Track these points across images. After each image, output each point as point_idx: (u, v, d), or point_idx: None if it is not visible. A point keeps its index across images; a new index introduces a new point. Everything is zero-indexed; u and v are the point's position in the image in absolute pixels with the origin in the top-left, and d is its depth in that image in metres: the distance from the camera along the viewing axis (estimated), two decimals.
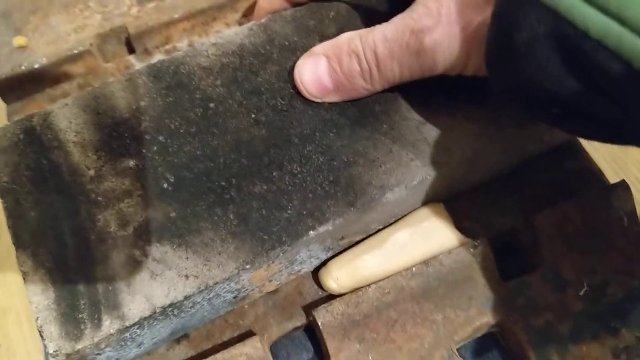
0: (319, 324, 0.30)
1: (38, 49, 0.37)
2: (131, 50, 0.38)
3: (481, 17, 0.25)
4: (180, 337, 0.31)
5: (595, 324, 0.30)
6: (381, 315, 0.30)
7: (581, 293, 0.31)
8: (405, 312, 0.30)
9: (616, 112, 0.23)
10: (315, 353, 0.31)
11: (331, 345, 0.29)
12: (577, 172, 0.35)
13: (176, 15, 0.38)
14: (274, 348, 0.32)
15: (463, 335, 0.30)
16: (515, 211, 0.33)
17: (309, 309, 0.31)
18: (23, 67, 0.36)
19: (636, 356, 0.29)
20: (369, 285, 0.30)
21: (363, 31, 0.29)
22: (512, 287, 0.31)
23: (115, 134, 0.29)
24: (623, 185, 0.32)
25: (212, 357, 0.29)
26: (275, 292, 0.32)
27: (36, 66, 0.36)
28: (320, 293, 0.31)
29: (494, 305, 0.30)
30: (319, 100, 0.30)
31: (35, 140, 0.29)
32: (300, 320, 0.31)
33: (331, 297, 0.31)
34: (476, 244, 0.31)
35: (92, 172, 0.29)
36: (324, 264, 0.31)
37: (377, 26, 0.28)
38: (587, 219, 0.32)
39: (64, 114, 0.30)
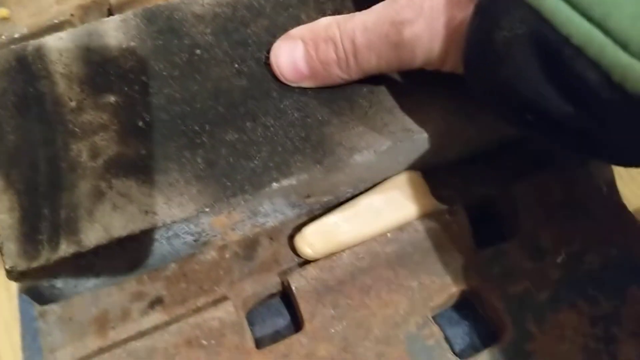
0: (293, 288, 0.29)
1: (20, 21, 0.37)
2: None
3: (464, 13, 0.25)
4: (154, 302, 0.31)
5: (573, 293, 0.30)
6: (355, 281, 0.30)
7: (559, 261, 0.30)
8: (380, 278, 0.30)
9: (592, 125, 0.22)
10: (292, 320, 0.31)
11: (305, 310, 0.29)
12: None
13: None
14: (250, 315, 0.31)
15: (438, 301, 0.30)
16: (493, 181, 0.33)
17: (284, 275, 0.30)
18: (3, 37, 0.36)
19: (614, 324, 0.29)
20: (343, 250, 0.30)
21: (342, 17, 0.28)
22: (489, 255, 0.30)
23: (102, 70, 0.31)
24: None
25: (184, 321, 0.29)
26: (251, 258, 0.31)
27: (16, 36, 0.36)
28: (296, 260, 0.31)
29: (470, 273, 0.30)
30: (294, 85, 0.30)
31: (26, 68, 0.31)
32: (275, 287, 0.31)
33: (307, 263, 0.31)
34: (452, 210, 0.31)
35: (73, 104, 0.30)
36: (299, 230, 0.31)
37: (358, 13, 0.28)
38: (566, 188, 0.32)
39: (57, 46, 0.31)
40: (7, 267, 0.27)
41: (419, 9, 0.26)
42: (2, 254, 0.27)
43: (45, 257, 0.27)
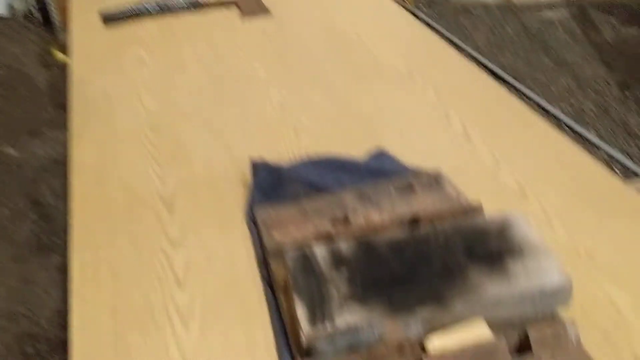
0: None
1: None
2: None
3: None
4: None
5: None
6: None
7: None
8: None
9: None
10: None
11: None
12: None
13: None
14: None
15: None
16: (518, 326, 0.68)
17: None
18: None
19: None
20: (447, 352, 0.65)
21: None
22: None
23: (339, 266, 0.70)
24: (573, 324, 0.67)
25: None
26: (402, 353, 0.67)
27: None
28: (423, 355, 0.66)
29: None
30: None
31: (307, 258, 0.70)
32: None
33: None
34: (498, 341, 0.66)
35: (325, 277, 0.68)
36: (427, 339, 0.67)
37: None
38: (555, 337, 0.66)
39: (321, 251, 0.71)
40: (304, 331, 0.64)
41: None
42: (300, 328, 0.64)
43: (320, 328, 0.64)
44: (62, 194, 2.02)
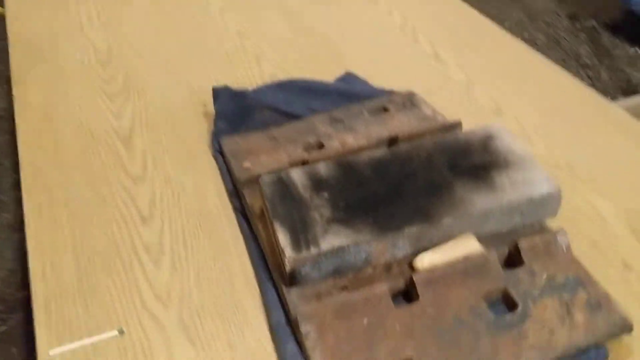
0: (415, 280, 0.61)
1: (259, 168, 0.74)
2: None
3: None
4: (342, 288, 0.62)
5: (550, 291, 0.61)
6: (444, 280, 0.61)
7: (544, 277, 0.61)
8: (455, 280, 0.61)
9: None
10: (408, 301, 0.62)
11: (420, 291, 0.60)
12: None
13: None
14: None
15: (484, 293, 0.60)
16: (505, 240, 0.65)
17: (407, 277, 0.62)
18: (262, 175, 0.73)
19: (571, 305, 0.59)
20: (437, 266, 0.62)
21: None
22: (509, 274, 0.62)
23: (319, 184, 0.66)
24: (562, 232, 0.65)
25: (361, 290, 0.60)
26: (389, 271, 0.63)
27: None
28: (411, 273, 0.63)
29: (500, 281, 0.61)
30: None
31: (281, 181, 0.66)
32: (401, 286, 0.62)
33: None
34: (489, 252, 0.63)
35: (307, 197, 0.64)
36: (414, 258, 0.63)
37: None
38: (546, 245, 0.64)
39: (296, 173, 0.67)
40: (287, 255, 0.60)
41: None
42: (284, 254, 0.60)
43: (304, 253, 0.59)
44: (9, 151, 1.91)
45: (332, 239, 0.61)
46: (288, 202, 0.64)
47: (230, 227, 0.73)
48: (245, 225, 0.71)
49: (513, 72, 0.99)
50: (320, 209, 0.64)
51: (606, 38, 2.61)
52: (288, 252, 0.60)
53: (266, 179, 0.67)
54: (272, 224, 0.63)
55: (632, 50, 2.47)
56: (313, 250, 0.60)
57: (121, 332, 0.62)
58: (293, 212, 0.63)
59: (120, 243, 0.71)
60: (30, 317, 0.64)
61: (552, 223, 0.69)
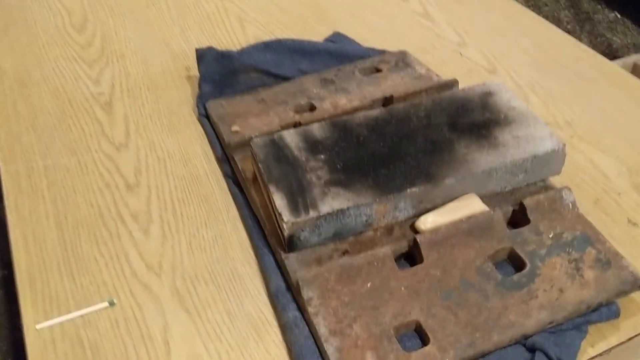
0: (418, 242, 0.58)
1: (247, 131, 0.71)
2: None
3: None
4: (344, 252, 0.59)
5: (557, 250, 0.59)
6: (448, 241, 0.59)
7: (550, 236, 0.60)
8: (460, 240, 0.59)
9: None
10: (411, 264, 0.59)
11: (424, 253, 0.58)
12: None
13: None
14: None
15: (490, 252, 0.58)
16: (512, 200, 0.63)
17: (412, 238, 0.60)
18: (246, 136, 0.70)
19: (580, 263, 0.58)
20: (441, 227, 0.60)
21: None
22: (514, 233, 0.60)
23: (315, 146, 0.63)
24: (567, 188, 0.63)
25: (365, 253, 0.57)
26: (390, 235, 0.61)
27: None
28: (414, 235, 0.60)
29: (506, 240, 0.59)
30: None
31: (275, 144, 0.63)
32: (404, 248, 0.60)
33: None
34: (494, 211, 0.61)
35: (304, 159, 0.62)
36: (417, 219, 0.61)
37: None
38: (551, 203, 0.62)
39: (290, 135, 0.64)
40: (285, 220, 0.57)
41: None
42: (281, 218, 0.57)
43: (303, 216, 0.57)
44: None
45: (332, 202, 0.58)
46: (283, 165, 0.61)
47: (221, 193, 0.70)
48: (237, 191, 0.68)
49: (505, 29, 0.96)
50: (317, 171, 0.61)
51: (586, 3, 2.59)
52: (286, 216, 0.57)
53: (258, 142, 0.64)
54: (267, 188, 0.60)
55: (612, 14, 2.46)
56: (312, 213, 0.57)
57: (112, 303, 0.59)
58: (289, 174, 0.60)
59: (106, 212, 0.68)
60: (12, 294, 0.60)
61: (556, 182, 0.67)
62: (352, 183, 0.60)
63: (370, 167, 0.61)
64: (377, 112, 0.67)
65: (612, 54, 2.23)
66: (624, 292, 0.56)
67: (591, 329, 0.55)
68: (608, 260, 0.57)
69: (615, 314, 0.55)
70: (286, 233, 0.57)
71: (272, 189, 0.59)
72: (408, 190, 0.59)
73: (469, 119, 0.66)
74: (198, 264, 0.62)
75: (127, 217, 0.67)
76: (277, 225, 0.58)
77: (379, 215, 0.60)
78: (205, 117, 0.78)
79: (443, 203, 0.62)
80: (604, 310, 0.55)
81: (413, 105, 0.68)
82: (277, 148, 0.63)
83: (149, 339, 0.56)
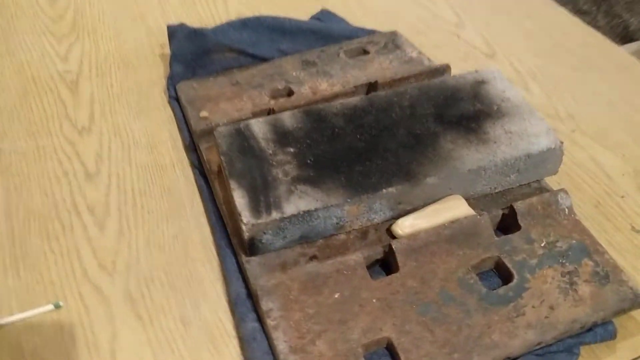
0: (394, 248, 0.52)
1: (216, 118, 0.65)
2: None
3: None
4: (312, 257, 0.53)
5: (550, 261, 0.53)
6: (428, 248, 0.53)
7: (542, 245, 0.53)
8: (441, 248, 0.53)
9: None
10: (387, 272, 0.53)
11: (400, 261, 0.52)
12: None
13: None
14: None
15: (474, 262, 0.52)
16: (499, 203, 0.57)
17: (387, 244, 0.54)
18: (213, 124, 0.63)
19: (575, 275, 0.52)
20: (420, 232, 0.54)
21: None
22: (503, 240, 0.54)
23: (284, 137, 0.57)
24: (564, 191, 0.56)
25: (334, 260, 0.52)
26: (365, 239, 0.55)
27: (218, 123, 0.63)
28: (390, 241, 0.54)
29: (492, 248, 0.53)
30: None
31: (241, 134, 0.57)
32: (379, 254, 0.54)
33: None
34: (480, 215, 0.55)
35: (270, 151, 0.55)
36: (394, 223, 0.55)
37: None
38: (545, 207, 0.56)
39: (257, 124, 0.58)
40: (244, 221, 0.51)
41: None
42: (241, 219, 0.51)
43: (264, 218, 0.51)
44: None
45: (298, 202, 0.52)
46: (248, 158, 0.55)
47: (187, 185, 0.64)
48: (202, 183, 0.63)
49: (507, 10, 0.89)
50: (284, 166, 0.55)
51: None
52: (246, 216, 0.51)
53: (222, 131, 0.58)
54: (228, 183, 0.54)
55: None
56: (275, 214, 0.51)
57: (57, 306, 0.54)
58: (253, 169, 0.54)
59: (61, 203, 0.62)
60: None
61: (552, 182, 0.61)
62: (323, 180, 0.54)
63: (344, 163, 0.55)
64: (356, 100, 0.61)
65: (628, 37, 2.13)
66: (622, 311, 0.50)
67: (584, 350, 0.49)
68: (606, 273, 0.51)
69: (612, 335, 0.50)
70: (246, 235, 0.51)
71: (234, 185, 0.53)
72: (384, 190, 0.53)
73: (457, 111, 0.60)
74: (155, 264, 0.57)
75: (83, 209, 0.62)
76: (238, 225, 0.53)
77: (352, 217, 0.54)
78: (175, 100, 0.72)
79: (424, 205, 0.56)
80: (599, 331, 0.49)
81: (397, 93, 0.62)
82: (242, 138, 0.57)
83: (94, 347, 0.51)
